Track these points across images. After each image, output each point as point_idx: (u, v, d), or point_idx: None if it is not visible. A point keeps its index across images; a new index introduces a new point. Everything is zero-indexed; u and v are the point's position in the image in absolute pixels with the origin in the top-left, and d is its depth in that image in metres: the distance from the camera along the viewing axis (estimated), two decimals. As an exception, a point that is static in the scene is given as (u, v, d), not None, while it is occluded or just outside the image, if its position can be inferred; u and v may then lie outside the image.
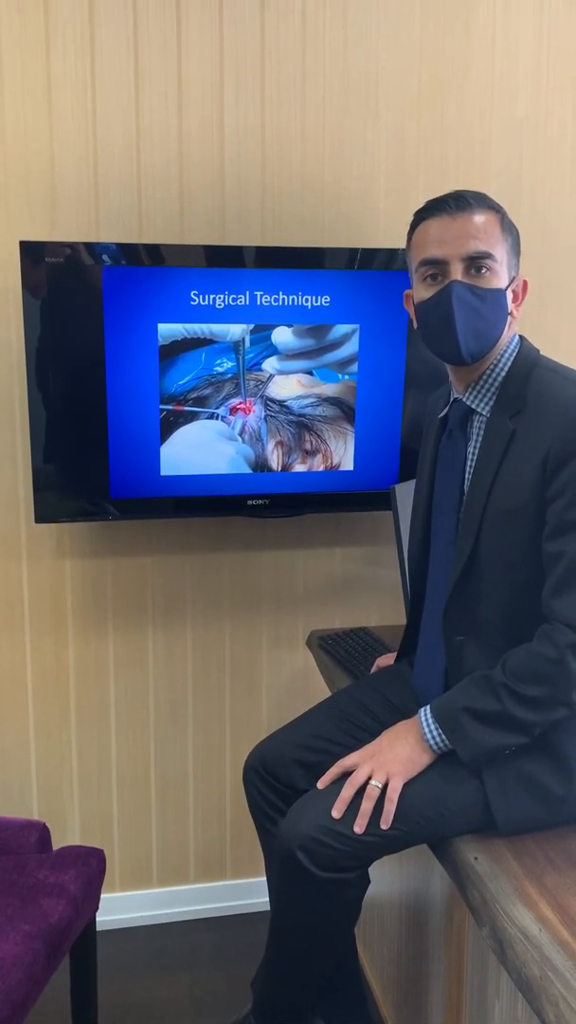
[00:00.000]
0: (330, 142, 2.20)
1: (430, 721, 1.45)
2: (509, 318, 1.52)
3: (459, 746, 1.42)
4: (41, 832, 1.85)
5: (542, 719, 1.40)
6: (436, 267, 1.49)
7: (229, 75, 2.12)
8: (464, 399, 1.56)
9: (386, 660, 1.94)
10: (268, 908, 1.66)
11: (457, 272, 1.47)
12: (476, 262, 1.47)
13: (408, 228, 1.56)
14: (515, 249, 1.53)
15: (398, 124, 2.22)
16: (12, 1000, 1.45)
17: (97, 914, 1.80)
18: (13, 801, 2.32)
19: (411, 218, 1.56)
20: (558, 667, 1.38)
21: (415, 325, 1.57)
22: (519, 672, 1.40)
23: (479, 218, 1.47)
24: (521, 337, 1.58)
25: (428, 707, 1.47)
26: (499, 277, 1.48)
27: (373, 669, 1.95)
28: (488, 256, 1.46)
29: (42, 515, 2.10)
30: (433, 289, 1.49)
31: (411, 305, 1.58)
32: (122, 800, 2.39)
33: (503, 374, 1.53)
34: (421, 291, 1.52)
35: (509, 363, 1.54)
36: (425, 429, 1.76)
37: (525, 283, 1.55)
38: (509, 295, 1.51)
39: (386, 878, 1.95)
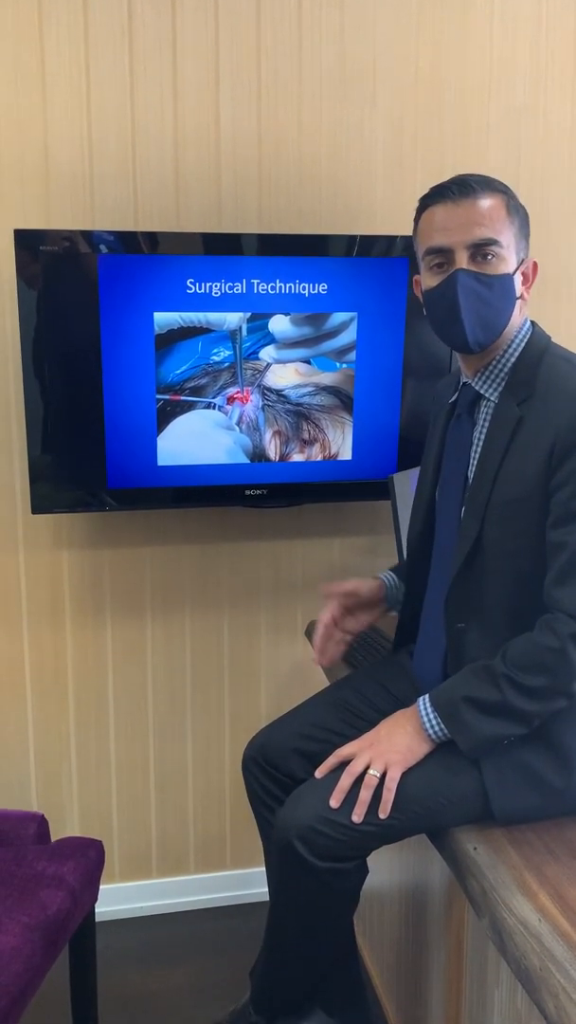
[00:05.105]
0: (327, 130, 2.18)
1: (429, 710, 1.45)
2: (519, 302, 1.50)
3: (458, 736, 1.41)
4: (40, 824, 1.84)
5: (542, 709, 1.40)
6: (441, 255, 1.47)
7: (225, 62, 2.10)
8: (473, 384, 1.55)
9: (338, 587, 1.84)
10: (268, 898, 1.66)
11: (462, 260, 1.45)
12: (482, 249, 1.45)
13: (413, 215, 1.54)
14: (523, 231, 1.50)
15: (395, 112, 2.20)
16: (11, 992, 1.44)
17: (96, 905, 1.80)
18: (12, 793, 2.32)
19: (409, 205, 1.54)
20: (559, 657, 1.37)
21: (424, 312, 1.55)
22: (520, 662, 1.39)
23: (484, 203, 1.45)
24: (533, 323, 1.56)
25: (427, 696, 1.47)
26: (506, 262, 1.46)
27: (326, 591, 1.83)
28: (494, 243, 1.44)
29: (39, 506, 2.09)
30: (439, 278, 1.48)
31: (419, 291, 1.56)
32: (121, 791, 2.39)
33: (513, 359, 1.52)
34: (428, 279, 1.51)
35: (519, 349, 1.52)
36: (433, 415, 1.74)
37: (535, 264, 1.53)
38: (518, 278, 1.49)
39: (385, 868, 1.95)
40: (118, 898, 2.40)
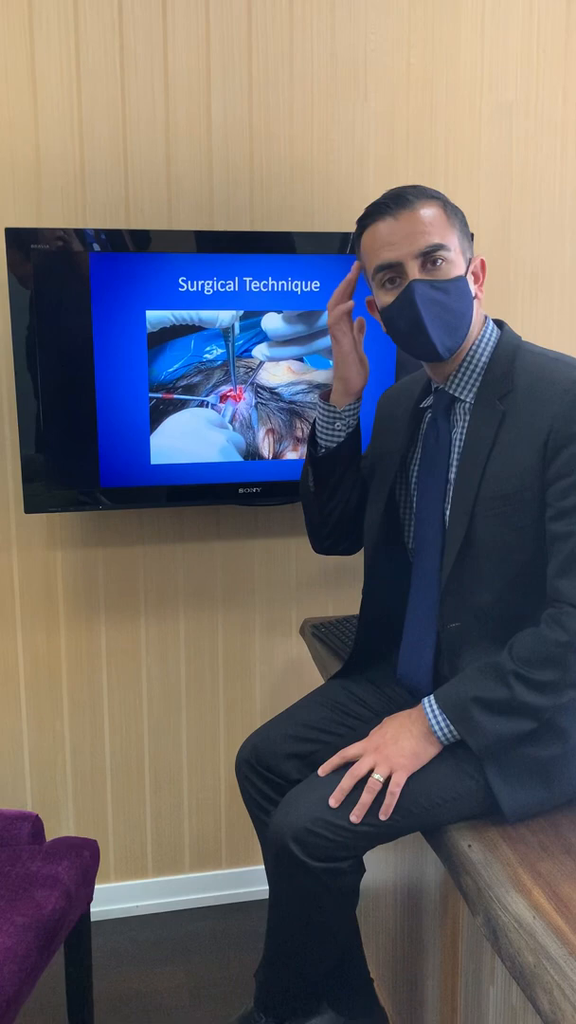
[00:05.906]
0: (318, 127, 2.18)
1: (436, 712, 1.43)
2: (475, 302, 1.51)
3: (469, 737, 1.40)
4: (34, 823, 1.84)
5: (552, 703, 1.39)
6: (392, 270, 1.47)
7: (216, 59, 2.10)
8: (446, 388, 1.55)
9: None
10: (264, 896, 1.66)
11: (414, 271, 1.45)
12: (431, 256, 1.45)
13: (354, 235, 1.54)
14: (465, 231, 1.51)
15: (387, 108, 2.20)
16: (6, 993, 1.44)
17: (92, 905, 1.80)
18: (6, 792, 2.32)
19: None
20: (569, 651, 1.37)
21: (384, 329, 1.54)
22: (529, 657, 1.39)
23: (423, 211, 1.45)
24: (499, 323, 1.57)
25: (432, 698, 1.45)
26: (456, 265, 1.47)
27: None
28: (441, 247, 1.45)
29: (32, 505, 2.08)
30: (394, 293, 1.48)
31: (375, 311, 1.56)
32: (116, 790, 2.39)
33: (484, 359, 1.52)
34: (383, 297, 1.51)
35: (489, 348, 1.53)
36: (383, 415, 1.74)
37: (483, 262, 1.54)
38: (470, 278, 1.50)
39: (380, 865, 1.95)
40: (113, 898, 2.40)
